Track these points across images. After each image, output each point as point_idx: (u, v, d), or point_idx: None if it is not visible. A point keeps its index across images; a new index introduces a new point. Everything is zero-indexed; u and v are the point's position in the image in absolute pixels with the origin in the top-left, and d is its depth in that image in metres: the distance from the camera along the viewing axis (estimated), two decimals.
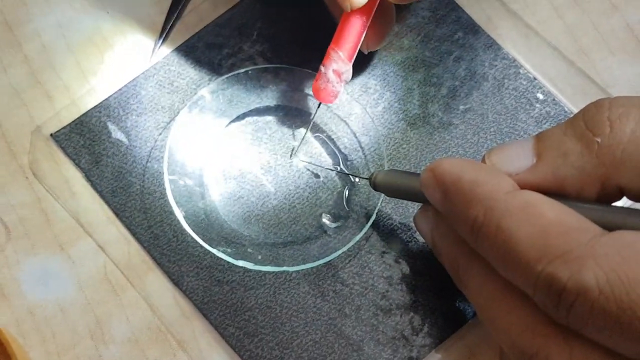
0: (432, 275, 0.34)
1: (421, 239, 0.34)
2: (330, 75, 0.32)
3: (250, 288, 0.34)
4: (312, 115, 0.35)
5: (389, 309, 0.34)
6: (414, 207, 0.35)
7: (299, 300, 0.34)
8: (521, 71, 0.38)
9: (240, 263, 0.31)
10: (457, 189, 0.24)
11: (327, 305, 0.33)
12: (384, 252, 0.35)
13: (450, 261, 0.28)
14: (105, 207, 0.35)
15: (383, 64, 0.38)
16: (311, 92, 0.34)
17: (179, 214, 0.32)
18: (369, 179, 0.32)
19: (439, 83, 0.38)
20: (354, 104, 0.36)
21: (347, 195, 0.36)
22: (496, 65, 0.38)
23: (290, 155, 0.36)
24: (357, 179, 0.36)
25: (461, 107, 0.37)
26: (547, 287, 0.20)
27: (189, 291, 0.33)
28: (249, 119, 0.38)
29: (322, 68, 0.32)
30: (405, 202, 0.35)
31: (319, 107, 0.34)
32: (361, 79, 0.37)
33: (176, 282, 0.34)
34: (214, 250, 0.31)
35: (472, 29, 0.38)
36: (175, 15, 0.38)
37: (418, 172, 0.35)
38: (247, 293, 0.34)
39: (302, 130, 0.37)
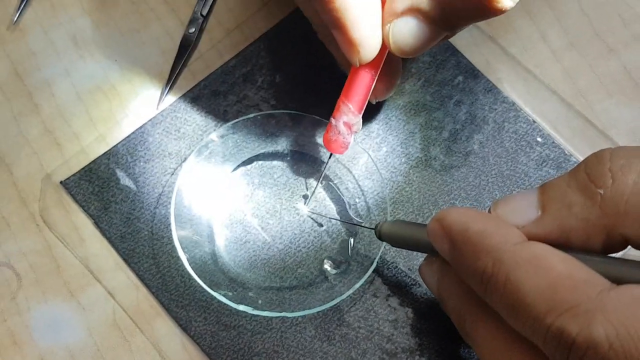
0: (437, 318, 0.34)
1: None
2: (341, 127, 0.33)
3: (257, 332, 0.34)
4: (324, 167, 0.36)
5: (395, 352, 0.34)
6: (418, 253, 0.35)
7: (305, 345, 0.34)
8: (520, 114, 0.39)
9: (241, 307, 0.32)
10: (465, 240, 0.24)
11: (334, 350, 0.34)
12: (388, 296, 0.35)
13: (457, 313, 0.27)
14: (114, 253, 0.36)
15: (385, 109, 0.39)
16: (320, 140, 0.36)
17: (183, 258, 0.33)
18: (374, 229, 0.32)
19: (440, 126, 0.39)
20: (358, 148, 0.36)
21: (352, 243, 0.37)
22: (496, 109, 0.39)
23: (305, 203, 0.38)
24: (361, 231, 0.36)
25: (462, 150, 0.38)
26: (557, 341, 0.20)
27: (197, 336, 0.34)
28: (255, 164, 0.38)
29: (332, 120, 0.33)
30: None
31: (330, 158, 0.35)
32: (364, 123, 0.37)
33: (184, 327, 0.34)
34: (214, 294, 0.32)
35: (472, 73, 0.39)
36: (182, 63, 0.39)
37: (421, 218, 0.37)
38: (254, 337, 0.34)
39: (309, 178, 0.38)
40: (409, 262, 0.36)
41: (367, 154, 0.37)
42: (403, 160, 0.38)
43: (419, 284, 0.35)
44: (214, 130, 0.37)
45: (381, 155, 0.38)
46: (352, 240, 0.37)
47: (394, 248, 0.36)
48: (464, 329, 0.27)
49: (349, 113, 0.32)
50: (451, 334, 0.33)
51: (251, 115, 0.37)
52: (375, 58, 0.30)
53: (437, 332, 0.34)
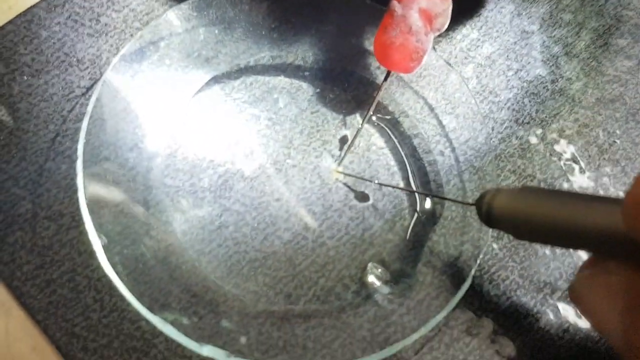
0: None
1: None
2: (414, 19, 0.25)
3: None
4: (376, 93, 0.28)
5: None
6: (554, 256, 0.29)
7: None
8: None
9: (206, 351, 0.24)
10: None
11: None
12: (495, 333, 0.27)
13: None
14: None
15: None
16: (369, 44, 0.28)
17: (97, 248, 0.24)
18: (477, 204, 0.24)
19: (576, 22, 0.31)
20: (436, 61, 0.29)
21: (413, 233, 0.28)
22: None
23: (339, 163, 0.29)
24: (442, 213, 0.28)
25: (621, 64, 0.30)
26: None
27: None
28: (244, 80, 0.30)
29: (395, 6, 0.25)
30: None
31: (386, 78, 0.27)
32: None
33: None
34: (155, 320, 0.24)
35: None
36: None
37: (550, 184, 0.30)
38: None
39: (347, 113, 0.30)
40: (531, 270, 0.28)
41: (454, 71, 0.29)
42: (512, 82, 0.31)
43: (557, 311, 0.27)
44: (166, 12, 0.29)
45: (469, 73, 0.31)
46: (412, 227, 0.28)
47: (501, 244, 0.28)
48: None
49: None
50: None
51: None
52: None
53: None
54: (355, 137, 0.29)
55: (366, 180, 0.29)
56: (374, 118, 0.31)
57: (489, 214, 0.24)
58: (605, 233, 0.20)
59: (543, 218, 0.22)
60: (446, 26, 0.26)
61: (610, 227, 0.19)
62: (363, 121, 0.29)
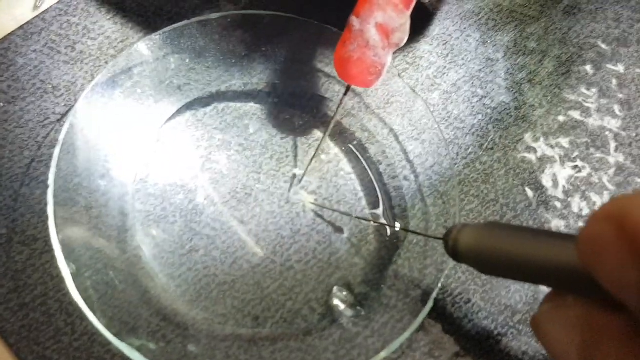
0: None
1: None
2: (371, 33, 0.25)
3: None
4: (337, 109, 0.28)
5: None
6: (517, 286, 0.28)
7: None
8: None
9: None
10: None
11: None
12: (457, 355, 0.26)
13: None
14: None
15: (444, 18, 0.32)
16: (326, 66, 0.28)
17: (66, 274, 0.24)
18: (445, 239, 0.24)
19: (540, 50, 0.31)
20: (398, 83, 0.29)
21: (378, 257, 0.28)
22: None
23: (289, 188, 0.29)
24: (407, 237, 0.28)
25: (582, 91, 0.30)
26: None
27: None
28: (213, 108, 0.30)
29: (354, 21, 0.25)
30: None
31: (346, 93, 0.27)
32: (408, 41, 0.29)
33: None
34: (121, 346, 0.23)
35: None
36: None
37: (513, 215, 0.29)
38: None
39: (308, 133, 0.30)
40: (492, 294, 0.28)
41: (419, 98, 0.29)
42: (476, 107, 0.30)
43: (517, 334, 0.27)
44: (138, 43, 0.29)
45: (435, 99, 0.31)
46: (383, 251, 0.28)
47: (463, 268, 0.28)
48: None
49: (387, 7, 0.25)
50: None
51: (211, 17, 0.29)
52: None
53: None
54: (316, 152, 0.29)
55: (343, 213, 0.28)
56: (331, 143, 0.30)
57: (455, 249, 0.24)
58: (563, 269, 0.20)
59: (504, 255, 0.22)
60: (404, 41, 0.26)
61: (568, 263, 0.20)
62: (323, 137, 0.29)
